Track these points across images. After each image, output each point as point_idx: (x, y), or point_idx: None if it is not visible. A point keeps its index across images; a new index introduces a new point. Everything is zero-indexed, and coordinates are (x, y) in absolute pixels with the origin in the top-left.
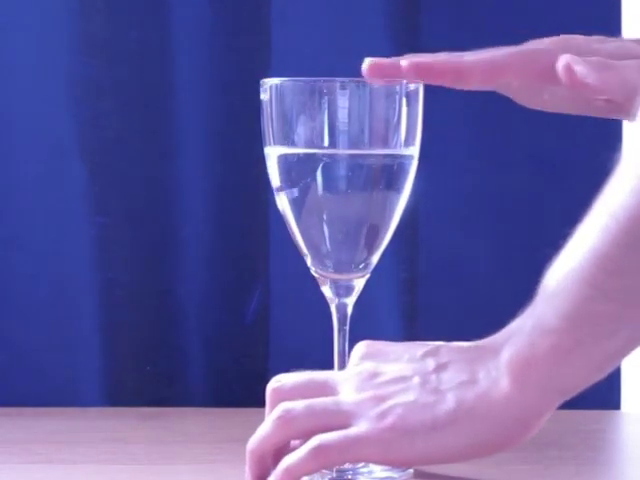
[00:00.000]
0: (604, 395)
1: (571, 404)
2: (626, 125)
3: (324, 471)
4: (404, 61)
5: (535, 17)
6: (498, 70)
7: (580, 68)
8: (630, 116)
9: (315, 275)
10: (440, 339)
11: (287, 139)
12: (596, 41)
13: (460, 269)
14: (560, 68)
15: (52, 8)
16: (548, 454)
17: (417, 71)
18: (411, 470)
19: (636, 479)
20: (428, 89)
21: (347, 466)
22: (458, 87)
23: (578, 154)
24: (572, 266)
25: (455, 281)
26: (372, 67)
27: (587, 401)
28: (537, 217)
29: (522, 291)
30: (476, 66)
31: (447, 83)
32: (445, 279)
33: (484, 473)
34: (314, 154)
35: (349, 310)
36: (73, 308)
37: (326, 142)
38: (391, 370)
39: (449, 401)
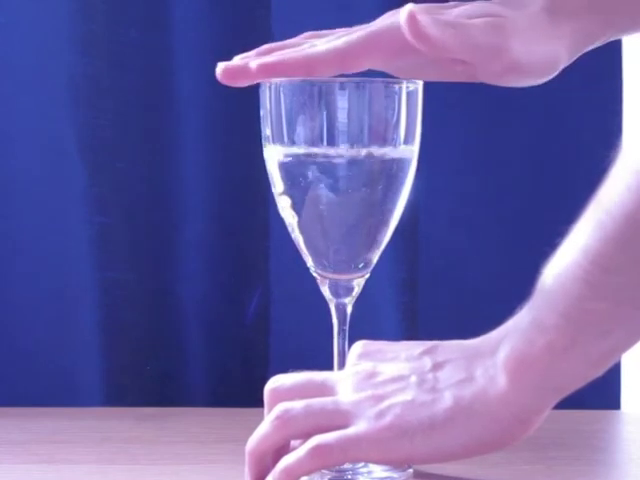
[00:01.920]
0: (604, 395)
1: (571, 404)
2: (625, 124)
3: (324, 471)
4: (253, 63)
5: None
6: (347, 59)
7: (423, 18)
8: (486, 79)
9: (315, 275)
10: (440, 339)
11: (287, 139)
12: (449, 6)
13: (460, 269)
14: (403, 19)
15: (52, 8)
16: (548, 454)
17: (264, 71)
18: (411, 470)
19: (636, 479)
20: (428, 89)
21: (347, 466)
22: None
23: (578, 154)
24: (567, 263)
25: (455, 281)
26: (224, 72)
27: (587, 401)
28: (537, 217)
29: (522, 291)
30: (326, 59)
31: (299, 76)
32: (445, 279)
33: (484, 473)
34: (314, 154)
35: (349, 310)
36: (73, 308)
37: (325, 142)
38: (389, 369)
39: (447, 399)
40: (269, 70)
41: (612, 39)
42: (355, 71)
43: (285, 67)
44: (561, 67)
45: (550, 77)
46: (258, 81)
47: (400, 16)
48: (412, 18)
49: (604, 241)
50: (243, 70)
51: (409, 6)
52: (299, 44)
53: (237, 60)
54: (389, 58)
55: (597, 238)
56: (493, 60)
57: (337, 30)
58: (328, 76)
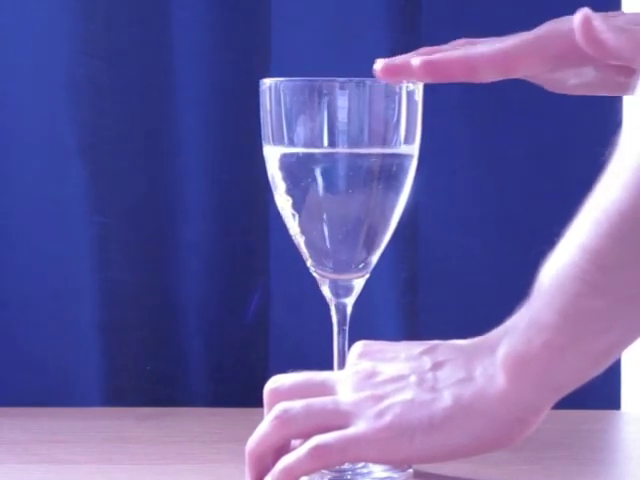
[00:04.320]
0: (604, 395)
1: (571, 404)
2: (624, 123)
3: (323, 471)
4: (415, 60)
5: (535, 18)
6: (511, 60)
7: (598, 23)
8: None
9: (315, 275)
10: (440, 339)
11: (287, 139)
12: (611, 15)
13: (460, 269)
14: (577, 22)
15: (52, 8)
16: (548, 454)
17: (428, 69)
18: (411, 470)
19: (636, 479)
20: (428, 88)
21: (346, 466)
22: (472, 82)
23: (578, 154)
24: (565, 261)
25: (455, 281)
26: (384, 68)
27: (587, 401)
28: (537, 217)
29: (522, 291)
30: (488, 59)
31: (460, 80)
32: (445, 279)
33: (484, 473)
34: (314, 154)
35: (349, 310)
36: (73, 308)
37: (326, 142)
38: (388, 369)
39: (446, 399)
40: (432, 68)
41: None
42: (517, 75)
43: (448, 66)
44: None
45: None
46: (417, 79)
47: (574, 20)
48: (587, 21)
49: (600, 239)
50: (405, 67)
51: (585, 10)
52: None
53: (398, 59)
54: (554, 63)
55: (593, 236)
56: None
57: (490, 39)
58: (489, 81)
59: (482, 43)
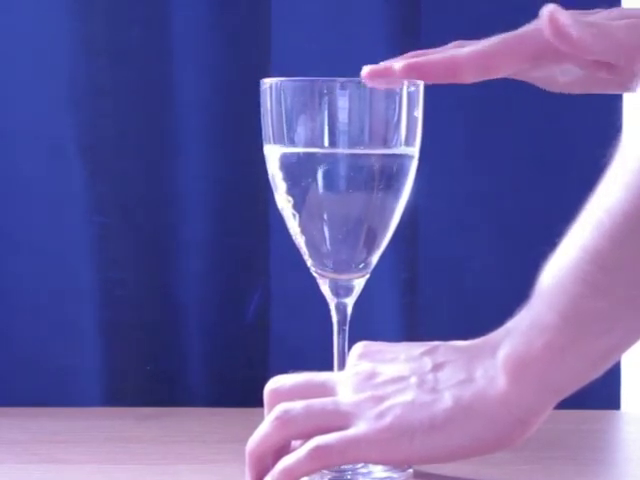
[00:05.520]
0: (604, 395)
1: (571, 404)
2: (625, 123)
3: (324, 471)
4: (397, 64)
5: (535, 17)
6: (489, 60)
7: (564, 17)
8: (630, 81)
9: (315, 275)
10: (440, 339)
11: (287, 139)
12: (589, 13)
13: (460, 269)
14: (544, 17)
15: (52, 8)
16: (548, 454)
17: (409, 72)
18: (411, 470)
19: (636, 479)
20: (428, 88)
21: (347, 466)
22: (456, 83)
23: (578, 154)
24: (566, 262)
25: (455, 281)
26: (369, 74)
27: (587, 401)
28: (537, 217)
29: (522, 291)
30: (469, 60)
31: (442, 81)
32: (445, 279)
33: (484, 473)
34: (314, 154)
35: (349, 310)
36: (73, 308)
37: (326, 142)
38: (389, 370)
39: (446, 400)
40: (413, 70)
41: None
42: (498, 76)
43: (429, 68)
44: None
45: None
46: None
47: (541, 14)
48: (553, 17)
49: (602, 239)
50: (388, 70)
51: (550, 6)
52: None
53: (382, 64)
54: (532, 61)
55: (595, 237)
56: (636, 59)
57: (480, 41)
58: (472, 81)
59: (469, 45)
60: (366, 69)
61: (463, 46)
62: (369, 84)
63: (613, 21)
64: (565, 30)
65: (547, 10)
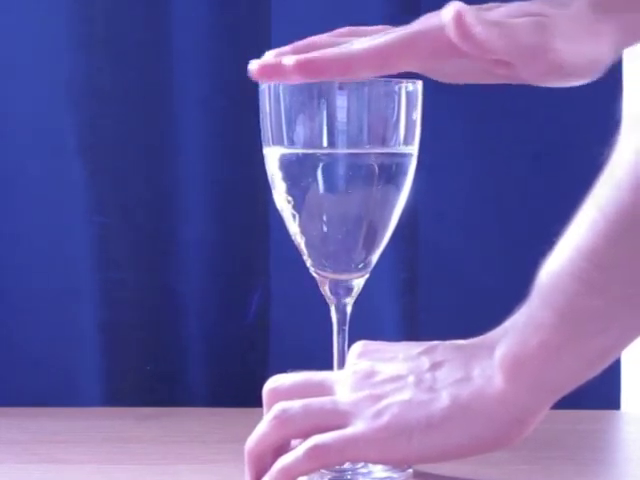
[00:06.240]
0: (604, 395)
1: (571, 404)
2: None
3: (323, 471)
4: (288, 60)
5: None
6: (385, 60)
7: (470, 18)
8: (529, 79)
9: (315, 275)
10: (440, 339)
11: (286, 139)
12: (491, 7)
13: (460, 269)
14: (449, 17)
15: (52, 8)
16: (548, 454)
17: (301, 70)
18: (410, 470)
19: (636, 479)
20: (428, 88)
21: (346, 466)
22: (350, 78)
23: (578, 154)
24: (562, 261)
25: (455, 281)
26: (259, 69)
27: (587, 401)
28: (537, 216)
29: (522, 291)
30: (361, 58)
31: (335, 77)
32: (445, 279)
33: (483, 473)
34: (313, 154)
35: (349, 310)
36: (73, 308)
37: (325, 142)
38: (387, 369)
39: (444, 399)
40: (305, 68)
41: None
42: (394, 72)
43: (322, 66)
44: (605, 67)
45: (594, 78)
46: (294, 80)
47: (444, 15)
48: (459, 17)
49: (597, 238)
50: (278, 68)
51: (456, 4)
52: (335, 42)
53: (271, 56)
54: (429, 59)
55: (590, 236)
56: (536, 60)
57: (375, 27)
58: (366, 78)
59: (364, 36)
60: (254, 64)
61: (354, 34)
62: (259, 80)
63: (515, 19)
64: (471, 33)
65: (453, 9)
